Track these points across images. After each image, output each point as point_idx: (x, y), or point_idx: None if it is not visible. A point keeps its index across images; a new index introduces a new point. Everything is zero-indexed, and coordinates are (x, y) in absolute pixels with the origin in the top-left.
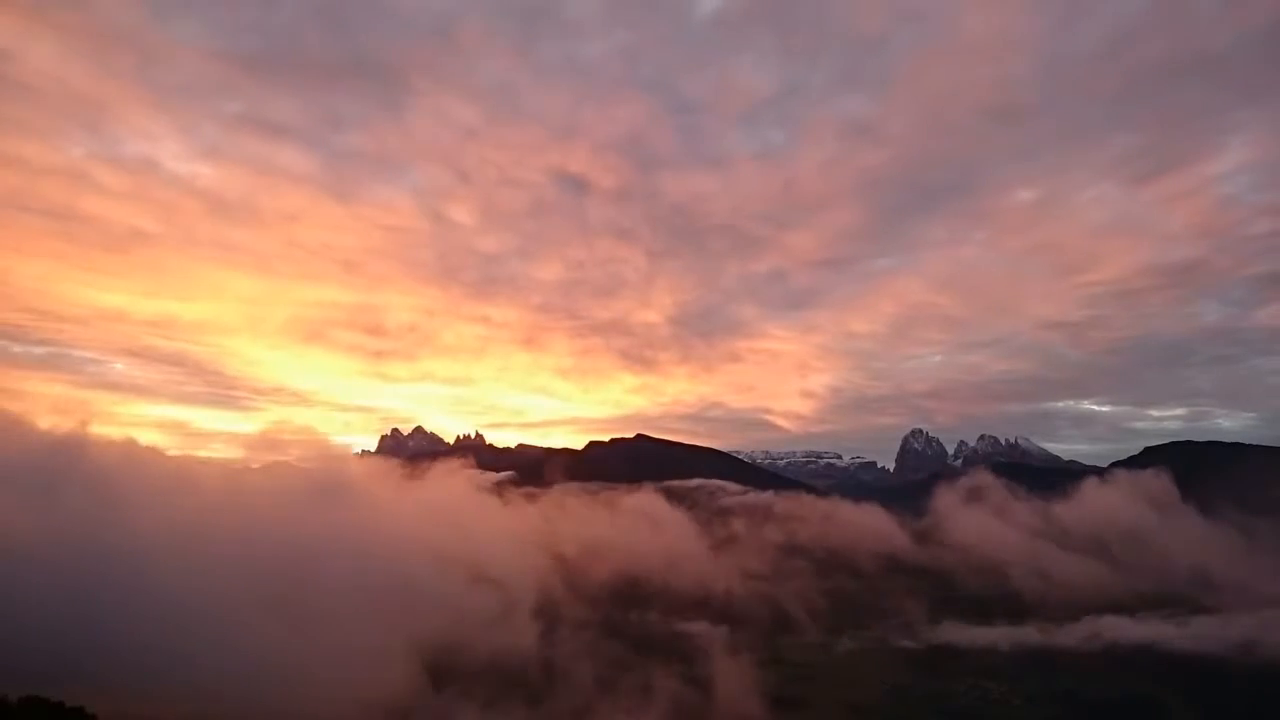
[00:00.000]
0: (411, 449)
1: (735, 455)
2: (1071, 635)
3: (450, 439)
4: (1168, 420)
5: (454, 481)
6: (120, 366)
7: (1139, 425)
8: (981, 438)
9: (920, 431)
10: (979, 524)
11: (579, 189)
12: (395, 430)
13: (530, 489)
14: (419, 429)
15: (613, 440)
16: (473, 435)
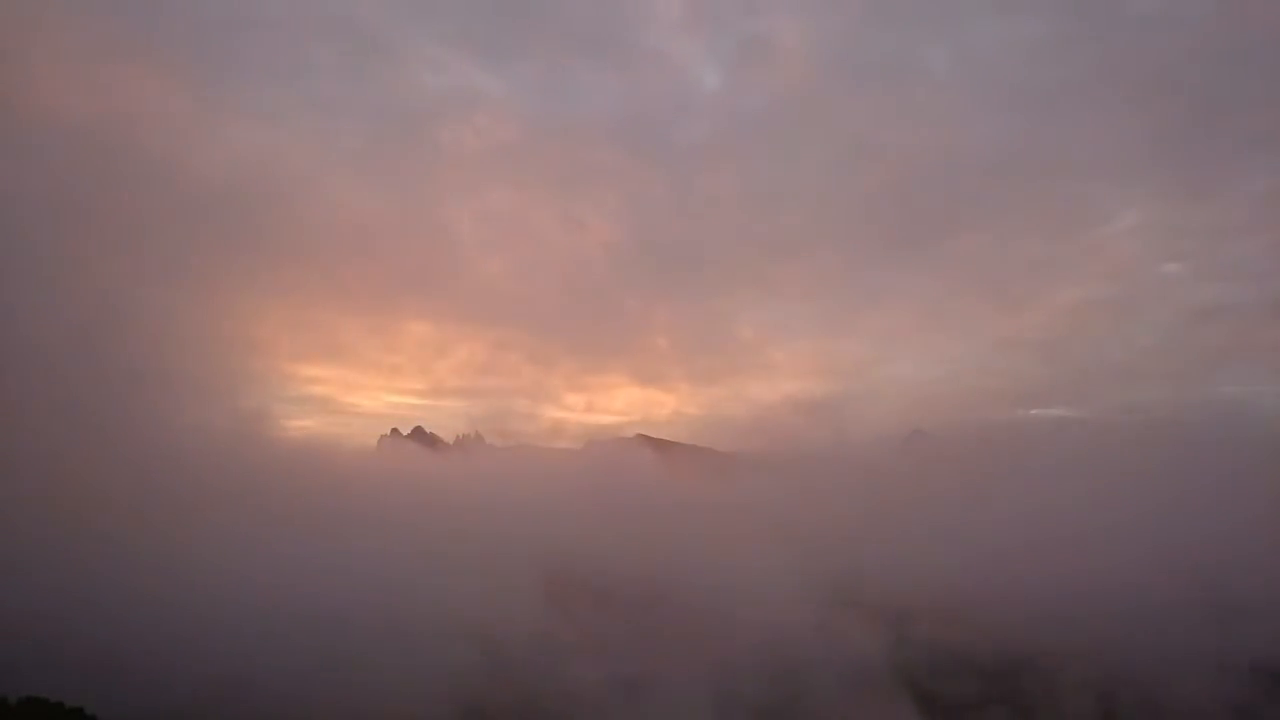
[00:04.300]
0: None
1: (734, 455)
2: None
3: (450, 439)
4: None
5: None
6: None
7: None
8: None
9: (920, 433)
10: None
11: (583, 228)
12: (395, 430)
13: None
14: (419, 429)
15: (612, 440)
16: (472, 435)
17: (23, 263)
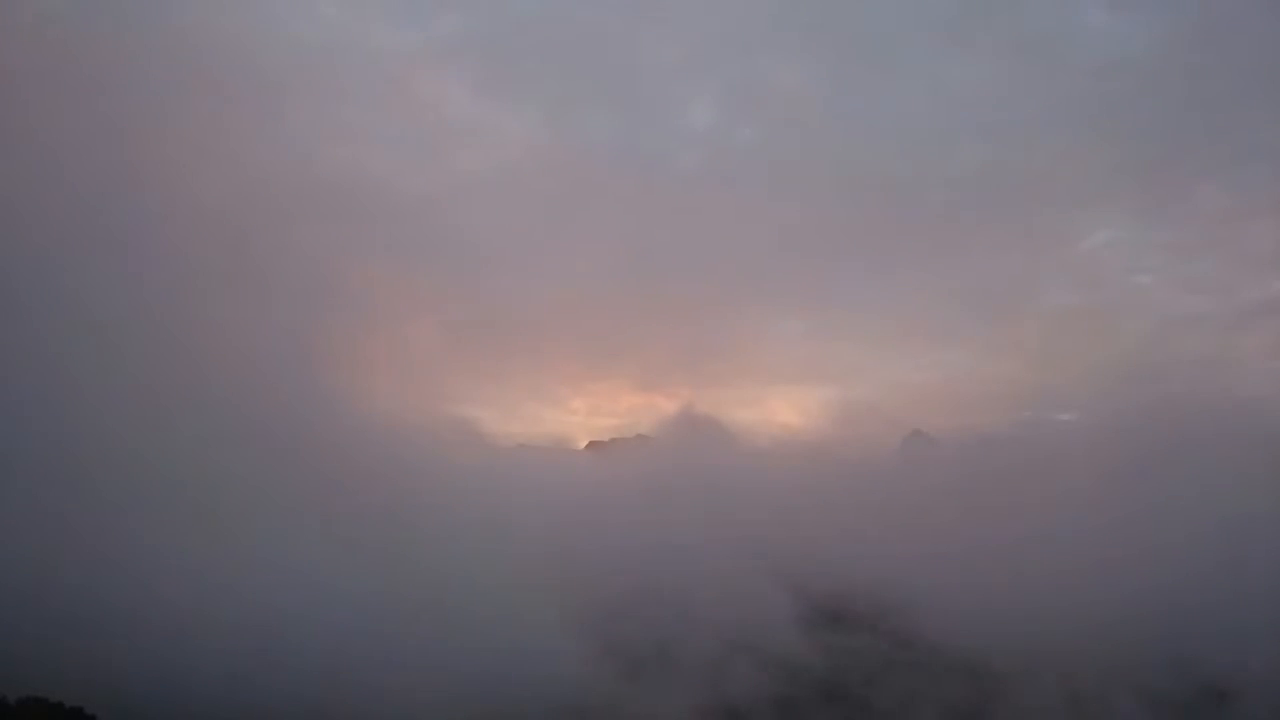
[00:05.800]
0: None
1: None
2: None
3: (453, 439)
4: None
5: None
6: None
7: None
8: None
9: (920, 433)
10: None
11: (587, 241)
12: (399, 431)
13: None
14: (421, 429)
15: (613, 440)
16: (474, 436)
17: (33, 264)
